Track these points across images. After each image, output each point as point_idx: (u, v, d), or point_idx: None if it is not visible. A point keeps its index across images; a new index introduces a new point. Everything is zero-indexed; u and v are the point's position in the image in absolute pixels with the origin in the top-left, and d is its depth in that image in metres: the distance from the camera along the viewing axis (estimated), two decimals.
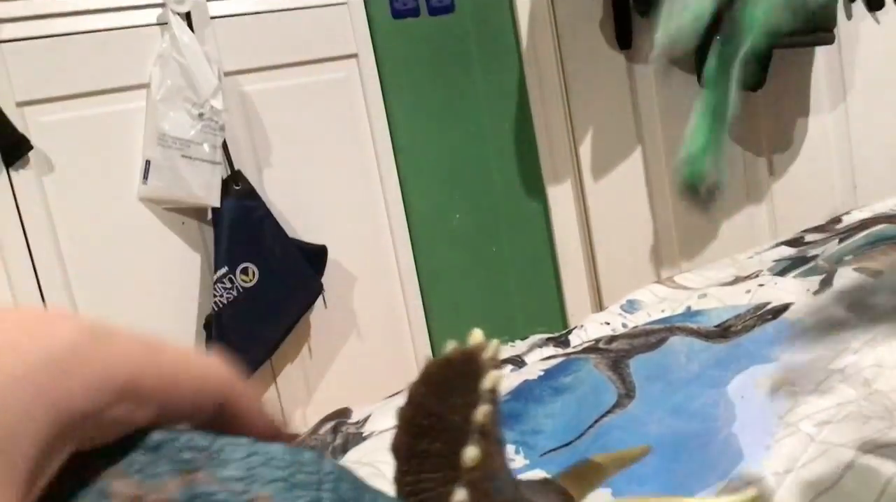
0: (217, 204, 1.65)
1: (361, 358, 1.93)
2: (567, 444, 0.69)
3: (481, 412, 0.37)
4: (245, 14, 1.76)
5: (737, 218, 2.09)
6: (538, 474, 0.66)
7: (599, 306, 2.10)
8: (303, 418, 1.86)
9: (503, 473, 0.40)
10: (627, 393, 0.77)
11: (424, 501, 0.42)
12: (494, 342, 0.40)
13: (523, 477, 0.46)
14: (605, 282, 2.11)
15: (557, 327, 2.03)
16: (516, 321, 2.09)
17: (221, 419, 0.32)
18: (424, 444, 0.42)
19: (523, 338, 1.03)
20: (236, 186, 1.68)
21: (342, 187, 1.89)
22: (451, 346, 0.42)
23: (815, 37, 1.81)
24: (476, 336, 0.42)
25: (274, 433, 0.35)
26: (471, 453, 0.36)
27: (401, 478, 0.44)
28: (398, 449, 0.44)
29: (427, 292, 2.01)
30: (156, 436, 0.34)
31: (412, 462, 0.43)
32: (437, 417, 0.42)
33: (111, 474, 0.31)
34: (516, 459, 0.68)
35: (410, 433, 0.44)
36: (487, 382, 0.37)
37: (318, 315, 1.87)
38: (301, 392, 1.87)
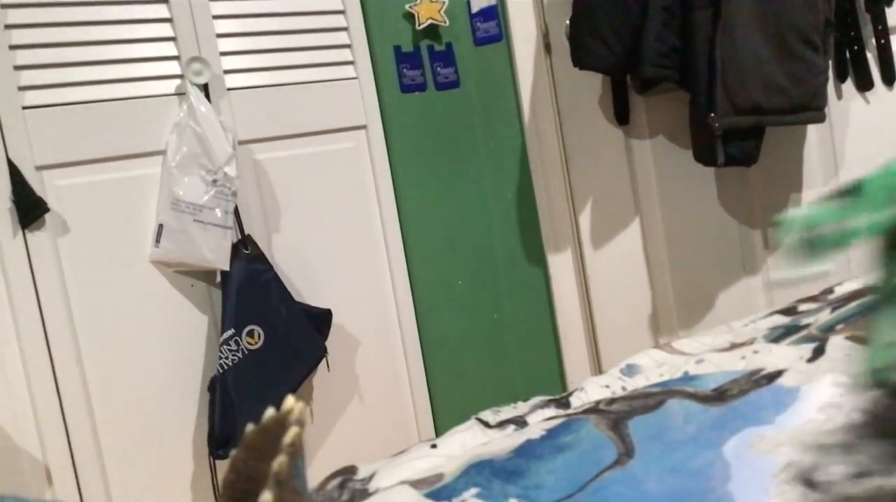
0: (226, 267, 1.69)
1: (363, 421, 1.95)
2: (569, 496, 0.72)
3: (277, 462, 0.40)
4: (260, 87, 1.84)
5: (732, 288, 2.13)
6: None
7: (598, 368, 2.13)
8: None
9: None
10: (627, 452, 0.80)
11: None
12: (299, 405, 0.44)
13: None
14: (604, 349, 2.14)
15: (557, 389, 2.05)
16: (516, 385, 2.11)
17: None
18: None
19: (525, 400, 1.06)
20: (246, 250, 1.73)
21: (348, 253, 1.93)
22: (268, 414, 0.46)
23: (807, 115, 1.87)
24: (288, 402, 0.46)
25: None
26: (265, 498, 0.39)
27: None
28: None
29: (429, 356, 2.04)
30: None
31: None
32: (256, 481, 0.46)
33: None
34: None
35: (233, 497, 0.46)
36: (287, 437, 0.41)
37: (322, 378, 1.89)
38: (307, 453, 1.88)
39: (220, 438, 1.71)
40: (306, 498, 0.43)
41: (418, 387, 2.02)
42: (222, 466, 1.76)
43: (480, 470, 0.78)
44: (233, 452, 0.45)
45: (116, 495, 1.69)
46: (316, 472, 1.85)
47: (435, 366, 2.04)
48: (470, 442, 0.91)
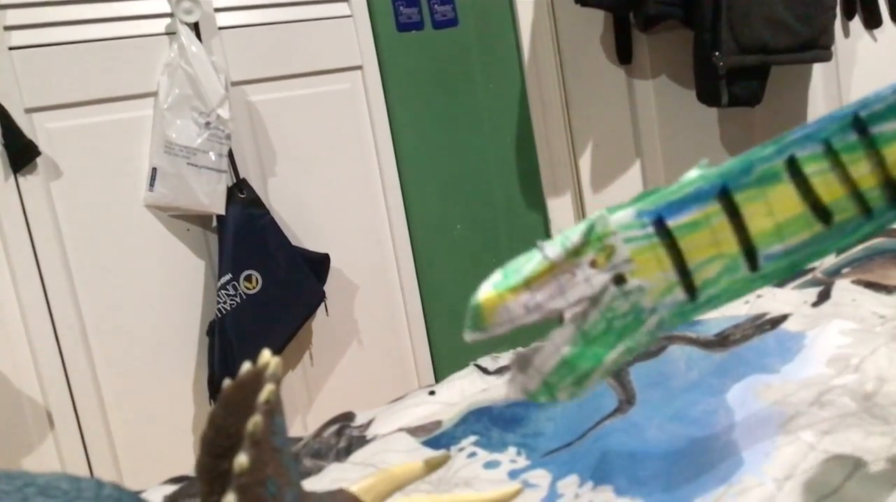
0: (222, 211, 1.67)
1: (362, 365, 1.95)
2: (568, 445, 0.71)
3: (252, 422, 0.38)
4: (253, 25, 1.79)
5: None
6: (539, 473, 0.68)
7: None
8: (303, 424, 1.88)
9: (281, 479, 0.41)
10: (628, 400, 0.79)
11: None
12: (275, 360, 0.43)
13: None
14: None
15: None
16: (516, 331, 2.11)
17: None
18: (225, 464, 0.43)
19: (524, 347, 1.04)
20: (241, 194, 1.70)
21: (345, 197, 1.91)
22: (245, 368, 0.44)
23: (814, 53, 1.84)
24: (263, 356, 0.44)
25: None
26: (240, 460, 0.37)
27: (206, 499, 0.44)
28: (202, 471, 0.45)
29: (428, 301, 2.03)
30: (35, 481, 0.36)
31: (216, 482, 0.44)
32: (235, 437, 0.44)
33: None
34: (518, 460, 0.69)
35: (212, 454, 0.44)
36: (263, 395, 0.40)
37: (320, 323, 1.88)
38: (302, 398, 1.89)
39: (219, 382, 1.71)
40: (287, 453, 0.42)
41: (417, 332, 2.02)
42: None
43: (479, 418, 0.77)
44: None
45: (119, 439, 1.70)
46: (314, 418, 1.86)
47: (434, 311, 2.03)
48: (468, 388, 0.90)
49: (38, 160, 1.60)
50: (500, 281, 0.53)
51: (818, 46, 1.83)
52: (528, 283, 0.52)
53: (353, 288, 1.94)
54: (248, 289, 1.69)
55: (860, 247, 1.09)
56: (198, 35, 1.67)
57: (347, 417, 0.91)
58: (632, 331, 0.51)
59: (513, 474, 0.69)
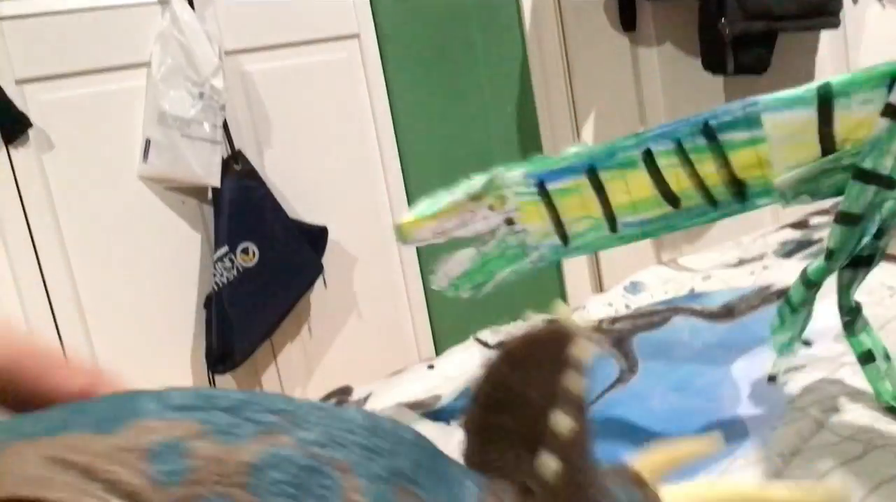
0: (217, 183, 1.65)
1: (361, 338, 1.93)
2: None
3: (573, 381, 0.35)
4: None
5: None
6: None
7: (600, 286, 2.10)
8: (303, 397, 1.86)
9: (589, 469, 0.38)
10: (630, 368, 0.77)
11: (503, 475, 0.41)
12: (589, 335, 0.39)
13: None
14: (605, 264, 2.11)
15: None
16: (515, 302, 2.09)
17: (14, 386, 0.29)
18: (498, 419, 0.42)
19: (525, 320, 1.02)
20: (236, 166, 1.68)
21: (343, 168, 1.88)
22: (532, 320, 0.40)
23: (821, 20, 1.80)
24: (562, 311, 0.40)
25: (89, 389, 0.34)
26: (565, 422, 0.34)
27: (469, 454, 0.43)
28: (469, 424, 0.43)
29: (427, 273, 2.00)
30: (234, 396, 0.34)
31: (482, 436, 0.42)
32: (515, 393, 0.42)
33: (194, 434, 0.31)
34: None
35: (484, 407, 0.42)
36: (579, 351, 0.35)
37: (319, 295, 1.87)
38: (301, 371, 1.87)
39: (218, 354, 1.71)
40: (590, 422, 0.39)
41: (417, 305, 2.00)
42: (222, 381, 1.75)
43: None
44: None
45: None
46: (314, 390, 1.85)
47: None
48: (468, 362, 0.88)
49: (30, 132, 1.57)
50: (420, 209, 0.70)
51: (826, 13, 1.79)
52: (437, 216, 0.68)
53: (352, 260, 1.91)
54: (245, 261, 1.67)
55: None
56: (190, 3, 1.63)
57: (345, 391, 0.89)
58: (518, 260, 0.67)
59: None
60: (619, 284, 1.05)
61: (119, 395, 0.34)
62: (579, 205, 0.61)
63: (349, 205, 1.89)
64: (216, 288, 1.66)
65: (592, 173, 0.59)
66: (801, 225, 1.16)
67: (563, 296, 2.12)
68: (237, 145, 1.70)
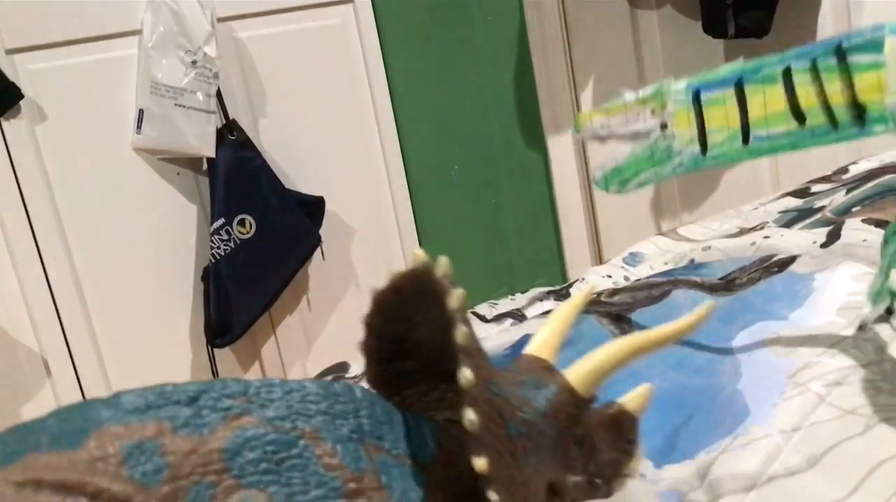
0: (212, 154, 1.63)
1: (360, 309, 1.89)
2: None
3: (460, 334, 0.36)
4: None
5: (738, 168, 2.06)
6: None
7: (599, 257, 2.09)
8: (303, 369, 1.86)
9: (496, 376, 0.41)
10: None
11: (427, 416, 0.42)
12: (443, 259, 0.39)
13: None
14: (604, 233, 2.10)
15: (556, 278, 2.02)
16: (515, 272, 2.08)
17: None
18: (396, 366, 0.43)
19: (523, 291, 1.01)
20: (231, 136, 1.66)
21: (339, 137, 1.86)
22: (394, 272, 0.41)
23: None
24: (419, 256, 0.40)
25: None
26: (465, 375, 0.35)
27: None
28: (373, 379, 0.44)
29: (426, 244, 1.99)
30: (188, 388, 0.34)
31: (391, 385, 0.44)
32: (399, 340, 0.43)
33: (160, 432, 0.32)
34: None
35: (379, 361, 0.44)
36: (453, 302, 0.37)
37: (317, 267, 1.85)
38: (300, 343, 1.87)
39: (216, 327, 1.70)
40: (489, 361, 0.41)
41: None
42: (221, 355, 1.75)
43: None
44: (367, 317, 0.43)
45: (116, 385, 1.68)
46: (314, 363, 1.84)
47: (431, 253, 1.98)
48: None
49: (22, 103, 1.55)
50: (592, 108, 0.81)
51: None
52: (608, 112, 0.75)
53: (350, 231, 1.90)
54: (241, 234, 1.65)
55: (871, 184, 1.05)
56: None
57: (341, 368, 0.88)
58: (663, 162, 0.73)
59: None
60: (618, 255, 1.04)
61: (67, 409, 0.34)
62: (722, 116, 0.68)
63: (346, 174, 1.87)
64: (213, 260, 1.65)
65: (739, 86, 0.66)
66: (801, 192, 1.14)
67: (563, 268, 2.10)
68: (231, 114, 1.67)
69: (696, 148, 0.70)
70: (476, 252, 2.04)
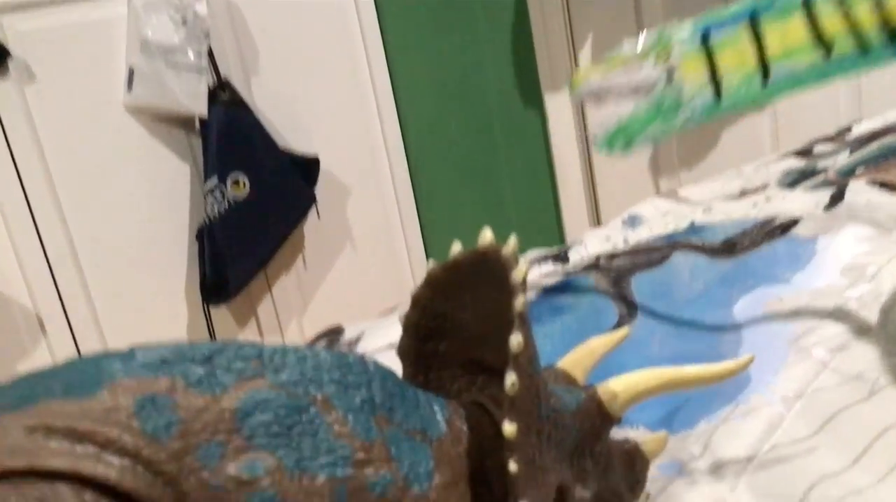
0: (204, 113, 1.60)
1: (356, 268, 1.91)
2: None
3: (519, 302, 0.37)
4: None
5: (737, 126, 2.04)
6: None
7: (597, 216, 2.08)
8: (299, 327, 1.86)
9: (537, 358, 0.41)
10: (629, 313, 0.75)
11: (447, 394, 0.42)
12: (512, 240, 0.40)
13: None
14: (602, 193, 2.08)
15: (554, 238, 2.01)
16: (512, 232, 2.06)
17: None
18: (433, 346, 0.44)
19: (521, 253, 1.00)
20: (224, 95, 1.63)
21: (334, 96, 1.83)
22: (455, 248, 0.42)
23: None
24: (486, 236, 0.42)
25: None
26: (517, 339, 0.36)
27: (411, 381, 0.44)
28: (405, 353, 0.45)
29: (422, 203, 1.98)
30: (204, 348, 0.35)
31: (419, 365, 0.44)
32: (442, 318, 0.44)
33: (172, 388, 0.32)
34: None
35: (417, 336, 0.44)
36: (517, 275, 0.38)
37: (312, 226, 1.84)
38: (297, 302, 1.86)
39: (212, 286, 1.69)
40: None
41: (412, 235, 1.97)
42: (218, 314, 1.75)
43: None
44: (415, 291, 0.44)
45: (111, 342, 1.68)
46: (310, 322, 1.84)
47: (428, 213, 1.98)
48: None
49: (10, 63, 1.52)
50: (589, 64, 0.72)
51: None
52: (607, 66, 0.69)
53: (345, 191, 1.88)
54: (236, 193, 1.63)
55: (875, 144, 1.03)
56: None
57: (336, 331, 0.87)
58: (671, 115, 0.67)
59: None
60: (617, 217, 1.02)
61: (82, 361, 0.34)
62: (736, 56, 0.64)
63: (341, 134, 1.85)
64: (208, 220, 1.64)
65: (754, 20, 0.63)
66: (804, 153, 1.12)
67: (561, 230, 2.09)
68: (223, 73, 1.64)
69: (709, 95, 0.66)
70: (473, 210, 2.03)
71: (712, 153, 2.07)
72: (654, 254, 0.85)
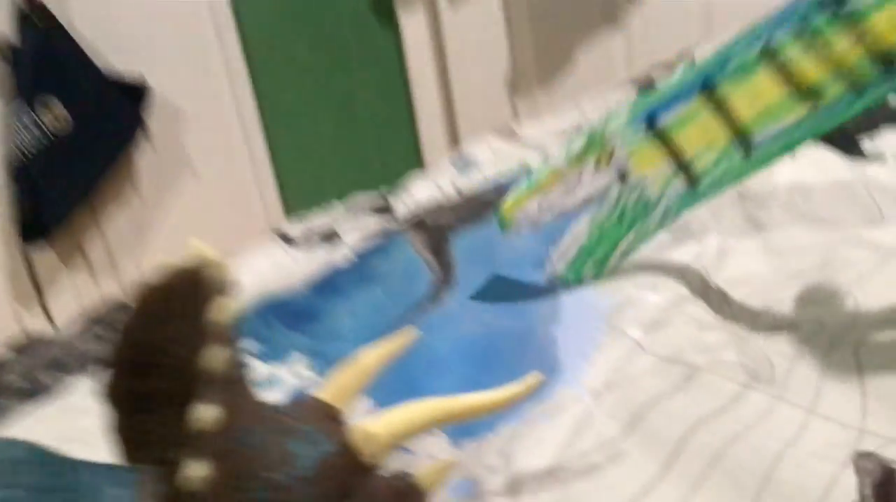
0: (11, 38, 1.45)
1: (198, 199, 1.78)
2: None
3: (214, 357, 0.30)
4: None
5: (593, 45, 1.99)
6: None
7: (455, 138, 2.01)
8: (138, 267, 1.73)
9: (257, 421, 0.34)
10: (445, 279, 0.69)
11: (153, 461, 0.34)
12: (215, 257, 0.33)
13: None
14: (460, 113, 2.01)
15: (412, 160, 1.94)
16: (369, 157, 1.98)
17: None
18: (144, 384, 0.36)
19: (343, 200, 0.92)
20: (35, 18, 1.46)
21: (163, 12, 1.66)
22: (167, 267, 0.34)
23: None
24: (197, 251, 0.34)
25: None
26: (208, 413, 0.29)
27: (123, 427, 0.36)
28: (115, 396, 0.36)
29: (271, 129, 1.85)
30: None
31: (135, 406, 0.36)
32: (157, 351, 0.35)
33: None
34: (304, 374, 0.59)
35: (129, 374, 0.36)
36: (215, 312, 0.31)
37: (145, 155, 1.69)
38: (132, 238, 1.73)
39: (29, 227, 1.57)
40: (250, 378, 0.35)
41: (260, 161, 1.85)
42: (41, 256, 1.61)
43: (264, 314, 0.65)
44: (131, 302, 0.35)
45: None
46: (150, 260, 1.71)
47: (278, 139, 1.86)
48: (266, 268, 0.76)
49: None
50: (518, 189, 0.63)
51: None
52: (539, 188, 0.61)
53: (182, 115, 1.73)
54: (55, 127, 1.49)
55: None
56: None
57: (123, 308, 0.78)
58: (641, 220, 0.59)
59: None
60: (447, 157, 0.96)
61: None
62: (701, 134, 0.56)
63: (174, 55, 1.69)
64: (24, 155, 1.48)
65: (709, 90, 0.55)
66: (644, 82, 1.08)
67: (419, 154, 2.01)
68: None
69: (680, 184, 0.58)
70: (327, 134, 1.92)
71: (568, 71, 2.02)
72: (480, 207, 0.79)
